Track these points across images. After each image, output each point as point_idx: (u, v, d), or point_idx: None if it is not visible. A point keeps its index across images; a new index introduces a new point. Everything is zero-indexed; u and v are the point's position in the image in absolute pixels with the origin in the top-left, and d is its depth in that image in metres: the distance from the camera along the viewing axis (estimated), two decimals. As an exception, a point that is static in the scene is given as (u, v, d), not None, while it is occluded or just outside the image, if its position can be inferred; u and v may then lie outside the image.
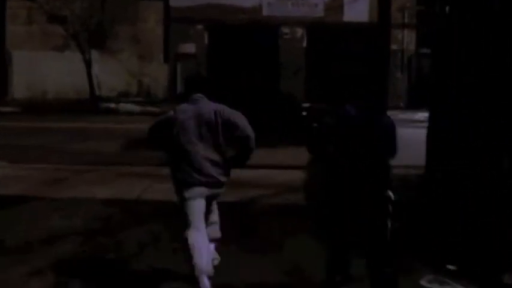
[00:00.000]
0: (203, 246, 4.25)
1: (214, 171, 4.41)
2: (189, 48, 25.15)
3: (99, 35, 23.48)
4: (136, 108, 22.31)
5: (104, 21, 23.32)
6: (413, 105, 24.89)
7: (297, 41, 25.54)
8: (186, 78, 4.89)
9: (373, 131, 3.98)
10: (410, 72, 25.72)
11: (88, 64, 22.75)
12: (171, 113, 4.51)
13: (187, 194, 4.34)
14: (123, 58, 25.22)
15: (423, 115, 22.34)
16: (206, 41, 25.49)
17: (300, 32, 25.60)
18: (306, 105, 18.70)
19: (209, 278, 4.27)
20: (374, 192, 3.84)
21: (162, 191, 7.40)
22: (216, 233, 4.63)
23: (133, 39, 25.18)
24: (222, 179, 4.49)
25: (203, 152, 4.37)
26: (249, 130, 4.47)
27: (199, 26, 25.27)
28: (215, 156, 4.41)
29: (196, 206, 4.34)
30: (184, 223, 4.33)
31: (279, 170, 10.13)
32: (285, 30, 25.43)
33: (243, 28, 24.96)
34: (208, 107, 4.45)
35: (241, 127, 4.42)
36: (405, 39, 25.50)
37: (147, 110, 21.66)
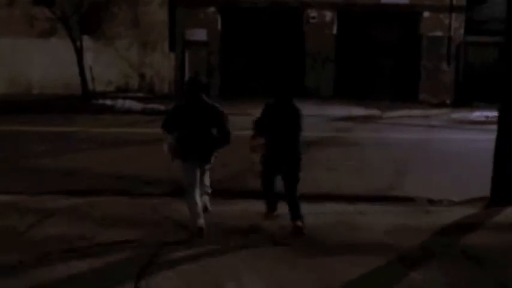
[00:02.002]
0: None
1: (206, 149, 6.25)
2: (199, 34, 21.56)
3: (93, 19, 19.92)
4: (137, 105, 18.62)
5: (99, 2, 19.56)
6: (461, 101, 21.17)
7: (325, 26, 21.87)
8: (187, 82, 6.83)
9: (290, 115, 6.14)
10: (459, 64, 21.93)
11: (79, 53, 19.02)
12: (177, 106, 6.35)
13: (189, 162, 6.19)
14: (121, 46, 21.54)
15: (481, 114, 18.98)
16: (219, 26, 21.92)
17: (329, 15, 22.00)
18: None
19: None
20: (292, 149, 6.18)
21: None
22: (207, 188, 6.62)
23: (133, 24, 21.57)
24: (211, 154, 6.33)
25: (200, 136, 6.14)
26: (228, 126, 6.20)
27: (211, 9, 21.75)
28: (207, 139, 6.17)
29: (194, 170, 6.22)
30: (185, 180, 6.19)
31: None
32: (312, 13, 21.88)
33: (262, 11, 21.76)
34: (205, 103, 6.16)
35: (225, 123, 6.18)
36: (452, 25, 21.72)
37: (150, 107, 18.16)
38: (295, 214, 6.16)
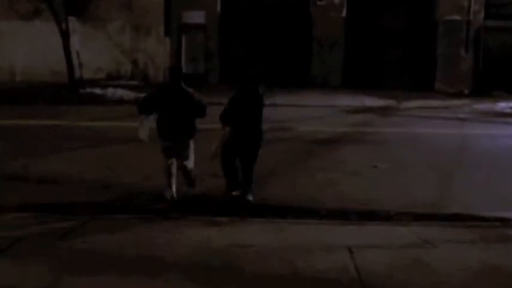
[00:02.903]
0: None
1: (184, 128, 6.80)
2: (197, 17, 19.84)
3: (80, 1, 18.03)
4: (129, 94, 16.91)
5: (87, -20, 17.79)
6: (480, 91, 19.56)
7: (334, 9, 20.21)
8: (169, 69, 7.81)
9: (255, 103, 6.67)
10: (478, 50, 20.27)
11: (65, 37, 17.18)
12: (157, 90, 7.06)
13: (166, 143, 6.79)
14: (112, 30, 19.74)
15: (507, 105, 17.34)
16: (218, 8, 20.17)
17: (338, -3, 20.19)
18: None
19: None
20: (258, 132, 6.72)
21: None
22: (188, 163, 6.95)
23: (125, 6, 19.72)
24: (188, 133, 6.85)
25: (178, 117, 6.71)
26: (203, 102, 6.82)
27: (210, -11, 19.85)
28: (185, 120, 6.75)
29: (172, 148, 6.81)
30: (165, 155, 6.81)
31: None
32: (320, -6, 20.04)
33: None
34: (184, 90, 6.75)
35: (200, 101, 6.79)
36: (472, 8, 20.03)
37: (143, 97, 16.24)
38: (249, 188, 6.85)
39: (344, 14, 20.22)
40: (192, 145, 6.89)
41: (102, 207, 6.39)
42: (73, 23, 17.32)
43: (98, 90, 17.45)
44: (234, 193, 6.81)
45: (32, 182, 7.44)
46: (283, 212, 6.41)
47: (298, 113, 14.78)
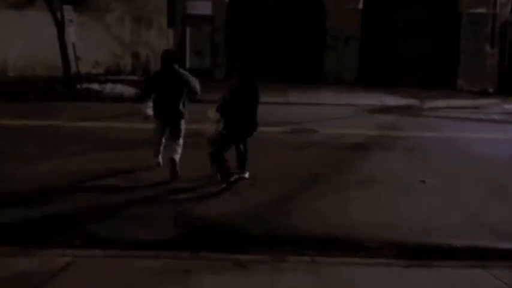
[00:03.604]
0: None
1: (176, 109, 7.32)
2: (203, 8, 18.46)
3: (77, -12, 16.74)
4: (129, 90, 15.58)
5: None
6: (506, 89, 18.21)
7: (350, 0, 18.77)
8: (163, 53, 7.55)
9: (252, 95, 6.86)
10: (504, 46, 18.88)
11: (60, 28, 15.78)
12: (153, 75, 7.87)
13: (160, 119, 7.42)
14: (112, 21, 18.35)
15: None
16: (226, -1, 18.65)
17: (354, -13, 18.81)
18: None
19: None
20: (255, 122, 6.93)
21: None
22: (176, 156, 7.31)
23: (126, -5, 18.21)
24: (182, 113, 7.40)
25: (172, 98, 7.25)
26: (196, 85, 7.37)
27: (217, -22, 18.46)
28: (178, 101, 7.27)
29: (163, 125, 7.48)
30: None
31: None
32: (335, -15, 18.66)
33: None
34: (178, 72, 7.28)
35: (196, 85, 7.35)
36: (498, 0, 18.65)
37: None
38: (244, 167, 7.21)
39: (360, 5, 18.82)
40: (183, 127, 7.45)
41: (95, 237, 5.06)
42: (69, 12, 15.88)
43: (95, 86, 16.09)
44: (231, 179, 6.85)
45: (13, 200, 6.10)
46: (321, 245, 5.09)
47: (314, 112, 13.44)
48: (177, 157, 7.22)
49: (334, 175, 7.51)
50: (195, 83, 7.32)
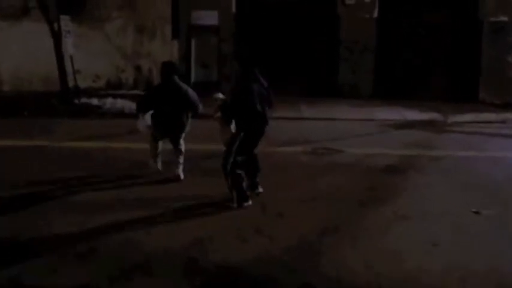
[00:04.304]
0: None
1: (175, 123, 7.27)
2: (209, 18, 17.43)
3: (76, -3, 15.76)
4: (131, 105, 14.36)
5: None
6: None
7: (365, 9, 17.75)
8: (163, 65, 7.39)
9: (263, 89, 6.33)
10: (529, 56, 17.77)
11: (57, 39, 14.75)
12: (153, 88, 8.14)
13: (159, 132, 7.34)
14: (112, 31, 17.27)
15: None
16: (234, 7, 17.70)
17: (369, -5, 17.78)
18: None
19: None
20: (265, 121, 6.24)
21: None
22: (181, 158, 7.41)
23: (127, 3, 17.21)
24: (184, 125, 7.33)
25: (171, 111, 7.15)
26: (198, 102, 7.28)
27: (224, -13, 17.54)
28: (178, 114, 7.18)
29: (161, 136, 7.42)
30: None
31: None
32: (349, -7, 17.64)
33: None
34: (178, 85, 7.17)
35: (195, 99, 7.25)
36: (522, 8, 17.60)
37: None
38: (256, 179, 6.50)
39: (376, 14, 17.78)
40: (182, 141, 7.33)
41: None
42: (66, 23, 14.84)
43: (94, 101, 15.02)
44: (246, 204, 6.18)
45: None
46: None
47: (332, 128, 12.33)
48: (181, 170, 7.25)
49: (372, 206, 6.37)
50: (194, 97, 7.21)
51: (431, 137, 11.68)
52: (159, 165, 7.46)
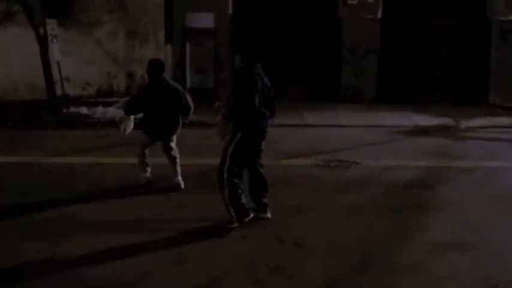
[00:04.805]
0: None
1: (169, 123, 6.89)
2: (205, 20, 16.55)
3: (62, 0, 14.92)
4: (122, 114, 13.34)
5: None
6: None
7: (368, 9, 16.88)
8: (149, 63, 6.91)
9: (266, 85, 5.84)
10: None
11: (43, 44, 13.81)
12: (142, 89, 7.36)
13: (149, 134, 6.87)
14: (102, 36, 16.33)
15: None
16: (230, 9, 16.78)
17: (373, -5, 16.95)
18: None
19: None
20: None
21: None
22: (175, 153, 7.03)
23: (118, 6, 16.25)
24: (177, 125, 6.96)
25: (161, 111, 6.76)
26: (188, 100, 6.92)
27: (220, -13, 16.69)
28: (168, 114, 6.78)
29: (151, 139, 6.94)
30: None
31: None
32: (351, -7, 16.83)
33: None
34: (169, 82, 6.89)
35: (187, 98, 6.90)
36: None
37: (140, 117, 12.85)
38: (264, 199, 5.65)
39: (379, 15, 16.94)
40: (174, 142, 6.99)
41: None
42: (52, 27, 13.87)
43: (84, 110, 14.08)
44: (247, 218, 5.49)
45: None
46: None
47: (340, 136, 11.44)
48: (180, 178, 6.89)
49: (407, 230, 5.47)
50: (186, 96, 6.94)
51: (448, 144, 10.79)
52: (148, 173, 7.04)
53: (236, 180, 5.34)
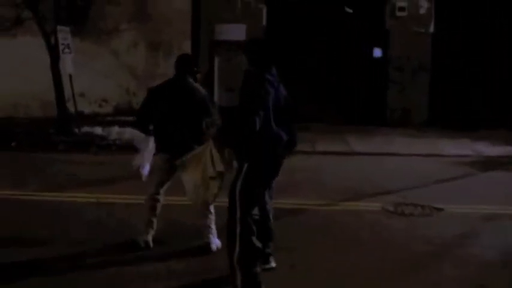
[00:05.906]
0: None
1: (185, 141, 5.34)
2: (235, 32, 14.84)
3: (77, 7, 13.40)
4: (141, 136, 11.64)
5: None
6: None
7: (418, 20, 15.10)
8: (178, 58, 5.61)
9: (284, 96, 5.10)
10: None
11: (54, 54, 12.30)
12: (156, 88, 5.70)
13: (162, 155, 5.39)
14: (121, 47, 14.79)
15: None
16: (264, 20, 15.17)
17: (424, 6, 15.20)
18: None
19: None
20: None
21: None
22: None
23: (139, 15, 14.73)
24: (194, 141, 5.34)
25: (181, 121, 5.35)
26: (215, 114, 5.49)
27: (253, -3, 15.23)
28: (190, 124, 5.36)
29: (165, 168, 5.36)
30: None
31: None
32: (400, 3, 15.00)
33: (325, 2, 15.08)
34: (192, 85, 5.47)
35: (214, 110, 5.53)
36: None
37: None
38: (269, 245, 4.62)
39: (432, 28, 15.16)
40: None
41: None
42: (64, 35, 12.36)
43: (98, 130, 12.54)
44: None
45: None
46: None
47: (398, 168, 9.64)
48: (212, 237, 5.20)
49: None
50: (213, 107, 5.56)
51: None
52: (150, 236, 5.30)
53: (253, 238, 4.10)
